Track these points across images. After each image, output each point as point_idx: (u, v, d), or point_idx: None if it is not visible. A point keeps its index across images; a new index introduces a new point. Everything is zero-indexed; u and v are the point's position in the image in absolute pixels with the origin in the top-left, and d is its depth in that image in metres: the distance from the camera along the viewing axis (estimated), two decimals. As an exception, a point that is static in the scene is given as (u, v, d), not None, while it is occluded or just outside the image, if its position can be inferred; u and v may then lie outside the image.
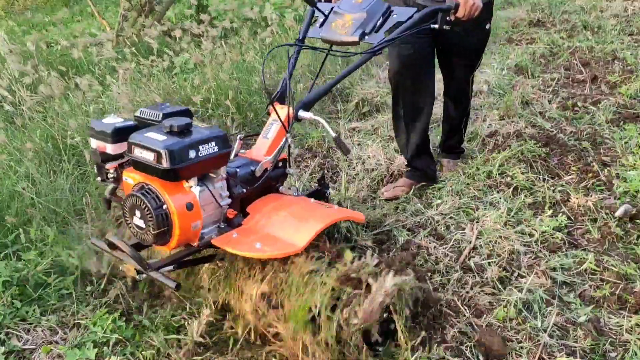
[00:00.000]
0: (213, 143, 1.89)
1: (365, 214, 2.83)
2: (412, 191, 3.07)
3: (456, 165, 3.33)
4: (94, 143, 2.12)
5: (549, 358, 1.95)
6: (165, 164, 1.78)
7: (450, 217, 2.81)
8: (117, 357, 2.07)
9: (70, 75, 3.85)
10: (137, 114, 2.13)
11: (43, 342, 2.20)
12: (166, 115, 2.02)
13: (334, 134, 2.08)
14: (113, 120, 2.09)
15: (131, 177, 1.96)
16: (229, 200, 2.03)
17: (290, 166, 2.29)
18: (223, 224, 2.03)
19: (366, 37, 2.30)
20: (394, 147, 3.56)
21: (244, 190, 2.07)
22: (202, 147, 1.86)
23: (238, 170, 2.08)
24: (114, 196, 2.20)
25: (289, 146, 2.23)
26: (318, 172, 3.44)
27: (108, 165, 2.12)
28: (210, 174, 1.98)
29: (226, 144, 1.93)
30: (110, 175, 2.13)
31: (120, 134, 2.04)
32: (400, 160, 3.34)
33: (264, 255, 1.86)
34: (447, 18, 2.36)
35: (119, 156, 2.10)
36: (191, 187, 1.91)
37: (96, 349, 2.11)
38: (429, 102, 3.00)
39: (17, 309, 2.30)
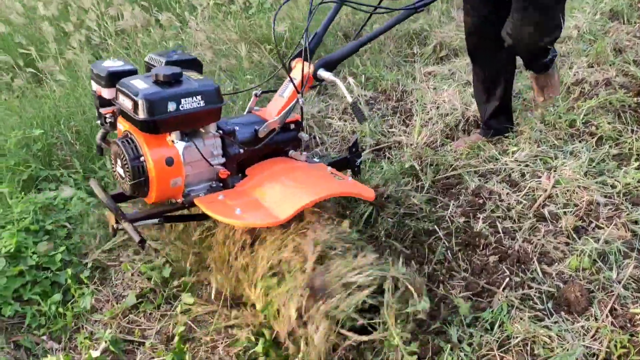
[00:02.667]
0: (199, 97, 1.75)
1: (431, 158, 2.78)
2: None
3: (548, 79, 3.02)
4: (94, 86, 2.01)
5: (622, 309, 1.88)
6: (141, 114, 1.69)
7: (526, 165, 2.70)
8: (191, 277, 2.19)
9: (151, 11, 3.95)
10: (147, 59, 2.04)
11: (125, 260, 2.36)
12: (169, 63, 1.92)
13: (351, 99, 1.91)
14: (111, 64, 1.98)
15: (122, 124, 1.88)
16: (222, 160, 1.91)
17: (302, 130, 2.12)
18: (215, 183, 1.93)
19: None
20: (471, 92, 3.44)
21: (241, 150, 1.94)
22: (185, 101, 1.73)
23: (237, 128, 1.94)
24: (104, 142, 2.09)
25: (302, 108, 2.03)
26: (391, 114, 3.40)
27: (103, 110, 1.99)
28: (200, 130, 1.87)
29: (215, 100, 1.79)
30: (107, 120, 1.99)
31: (114, 79, 1.91)
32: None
33: (241, 224, 1.75)
34: None
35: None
36: (174, 141, 1.81)
37: (171, 268, 2.23)
38: (510, 69, 2.83)
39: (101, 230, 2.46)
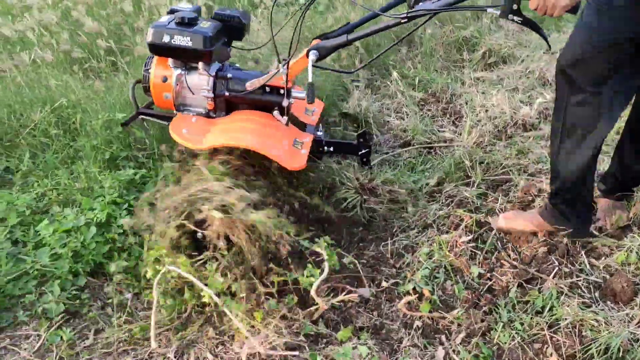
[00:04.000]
0: (188, 38, 2.28)
1: (481, 157, 2.92)
2: (542, 235, 2.36)
3: (617, 211, 2.41)
4: None
5: (666, 299, 2.01)
6: (147, 38, 2.32)
7: (574, 167, 2.83)
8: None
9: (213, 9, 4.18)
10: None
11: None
12: (216, 14, 2.49)
13: (310, 80, 2.22)
14: (180, 5, 2.56)
15: None
16: (210, 95, 2.42)
17: (289, 97, 2.44)
18: (205, 110, 2.47)
19: (420, 3, 2.15)
20: (519, 98, 3.57)
21: (226, 93, 2.43)
22: (177, 37, 2.28)
23: (230, 76, 2.43)
24: None
25: (286, 77, 2.34)
26: (440, 115, 3.55)
27: None
28: (194, 66, 2.41)
29: (201, 45, 2.28)
30: None
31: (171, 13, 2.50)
32: (526, 110, 3.36)
33: (174, 137, 2.31)
34: (513, 6, 1.92)
35: None
36: (171, 66, 2.41)
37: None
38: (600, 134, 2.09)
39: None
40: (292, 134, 2.44)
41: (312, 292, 1.95)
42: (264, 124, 2.40)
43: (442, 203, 2.69)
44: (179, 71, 2.41)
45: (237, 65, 2.70)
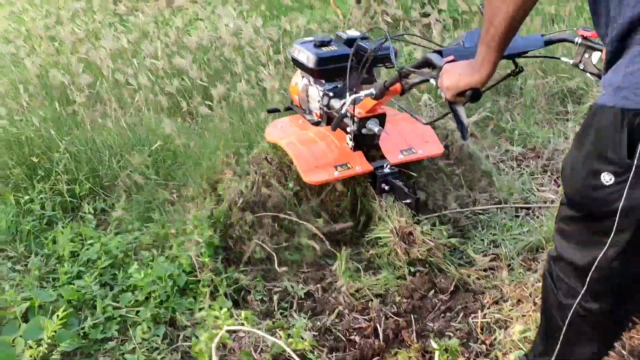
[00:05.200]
0: (305, 56, 2.61)
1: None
2: None
3: None
4: None
5: None
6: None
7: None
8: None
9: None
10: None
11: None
12: (356, 44, 2.58)
13: (343, 112, 2.44)
14: (349, 32, 2.77)
15: None
16: (317, 105, 2.73)
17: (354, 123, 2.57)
18: (312, 115, 2.85)
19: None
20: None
21: (326, 108, 2.68)
22: (301, 54, 2.65)
23: (332, 95, 2.65)
24: None
25: (352, 104, 2.44)
26: (540, 173, 3.33)
27: None
28: (312, 80, 2.76)
29: (313, 64, 2.58)
30: None
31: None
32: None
33: (266, 133, 2.83)
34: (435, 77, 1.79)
35: None
36: (301, 76, 2.85)
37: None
38: None
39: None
40: (349, 158, 2.60)
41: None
42: (330, 142, 2.66)
43: (540, 273, 2.47)
44: (305, 81, 2.82)
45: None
